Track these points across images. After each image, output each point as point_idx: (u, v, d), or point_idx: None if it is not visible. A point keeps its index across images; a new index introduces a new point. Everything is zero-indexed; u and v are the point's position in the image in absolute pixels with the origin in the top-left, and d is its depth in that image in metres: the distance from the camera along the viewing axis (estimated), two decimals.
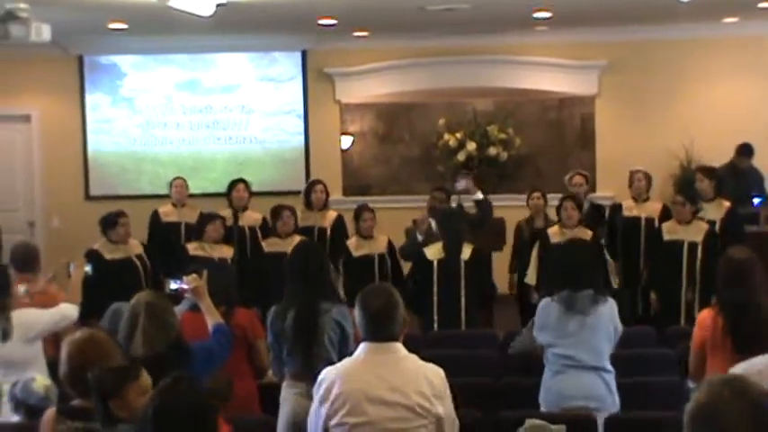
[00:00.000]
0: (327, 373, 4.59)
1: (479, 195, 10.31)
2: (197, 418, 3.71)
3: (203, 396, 3.81)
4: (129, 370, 4.35)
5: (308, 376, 5.84)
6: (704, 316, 5.91)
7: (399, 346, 4.58)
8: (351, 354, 5.41)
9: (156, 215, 11.06)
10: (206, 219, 9.81)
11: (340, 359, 5.48)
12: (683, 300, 9.27)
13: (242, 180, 10.89)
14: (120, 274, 9.31)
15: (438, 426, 4.49)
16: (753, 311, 5.58)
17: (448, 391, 4.54)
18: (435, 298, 8.75)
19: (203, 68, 14.19)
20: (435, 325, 8.73)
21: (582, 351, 6.34)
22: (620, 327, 6.52)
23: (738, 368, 4.54)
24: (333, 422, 4.48)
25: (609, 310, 6.46)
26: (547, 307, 6.53)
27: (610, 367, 6.41)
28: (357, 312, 4.61)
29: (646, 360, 7.51)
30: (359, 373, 4.52)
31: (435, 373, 4.55)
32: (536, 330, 6.61)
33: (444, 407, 4.50)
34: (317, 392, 4.57)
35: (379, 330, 4.54)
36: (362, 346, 4.59)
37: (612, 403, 6.35)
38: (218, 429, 3.84)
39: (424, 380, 4.49)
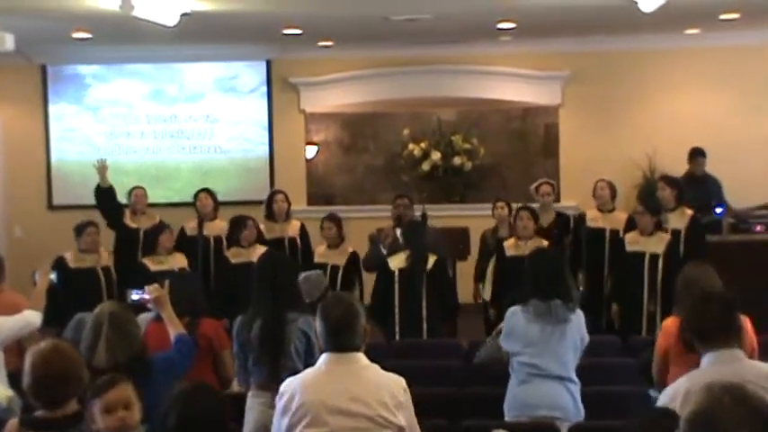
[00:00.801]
0: (288, 385, 4.59)
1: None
2: (216, 422, 3.83)
3: (221, 402, 3.93)
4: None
5: (273, 386, 5.82)
6: (669, 324, 5.96)
7: (361, 356, 4.58)
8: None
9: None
10: (157, 230, 9.80)
11: (306, 369, 5.48)
12: (644, 311, 9.31)
13: (206, 189, 10.86)
14: (82, 284, 9.29)
15: None
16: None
17: (410, 402, 4.55)
18: (397, 309, 8.76)
19: (168, 78, 14.16)
20: (397, 335, 8.73)
21: (548, 360, 6.34)
22: (586, 337, 6.52)
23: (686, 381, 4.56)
24: None
25: (576, 321, 6.45)
26: (515, 315, 6.51)
27: (575, 378, 6.41)
28: (318, 323, 4.62)
29: (609, 369, 7.54)
30: (320, 384, 4.52)
31: (397, 384, 4.55)
32: (503, 338, 6.60)
33: (406, 417, 4.51)
34: (279, 403, 4.57)
35: (340, 341, 4.54)
36: (323, 356, 4.60)
37: (577, 414, 6.35)
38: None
39: (385, 390, 4.49)
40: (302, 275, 7.32)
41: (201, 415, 3.80)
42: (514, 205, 10.54)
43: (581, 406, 6.38)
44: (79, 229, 9.65)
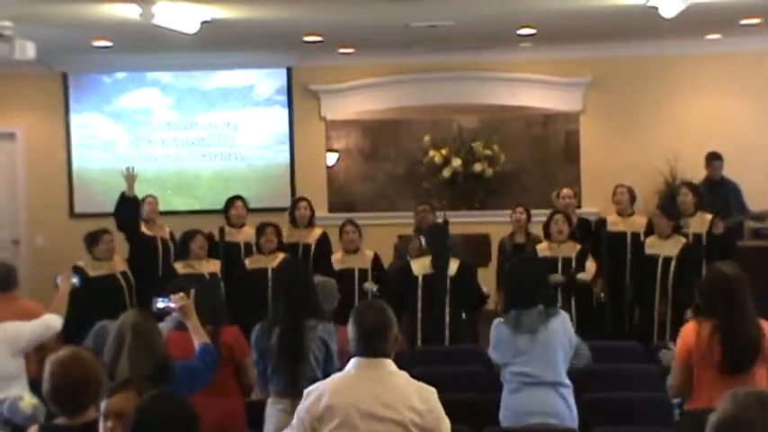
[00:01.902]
0: (317, 386, 4.59)
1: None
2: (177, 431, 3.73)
3: (184, 410, 3.80)
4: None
5: (292, 393, 5.87)
6: (688, 328, 5.84)
7: (390, 362, 4.58)
8: (336, 371, 5.44)
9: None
10: (187, 236, 9.77)
11: (324, 377, 5.49)
12: (656, 315, 9.31)
13: (239, 197, 10.87)
14: (105, 291, 9.31)
15: None
16: (741, 333, 5.57)
17: (440, 408, 4.53)
18: (420, 313, 8.75)
19: (188, 86, 14.19)
20: (419, 341, 8.72)
21: (537, 367, 6.28)
22: (574, 339, 6.46)
23: None
24: None
25: (561, 324, 6.39)
26: (497, 327, 6.48)
27: (567, 381, 6.36)
28: (350, 328, 4.61)
29: (630, 375, 7.51)
30: (350, 388, 4.51)
31: (428, 391, 4.55)
32: (491, 350, 6.57)
33: (436, 423, 4.49)
34: (305, 401, 4.55)
35: (371, 346, 4.54)
36: (354, 361, 4.59)
37: (571, 418, 6.29)
38: None
39: (415, 396, 4.48)
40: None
41: (157, 424, 3.74)
42: (535, 211, 10.56)
43: (575, 410, 6.34)
44: (94, 238, 9.61)
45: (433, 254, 8.85)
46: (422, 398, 4.49)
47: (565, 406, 6.32)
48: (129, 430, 3.74)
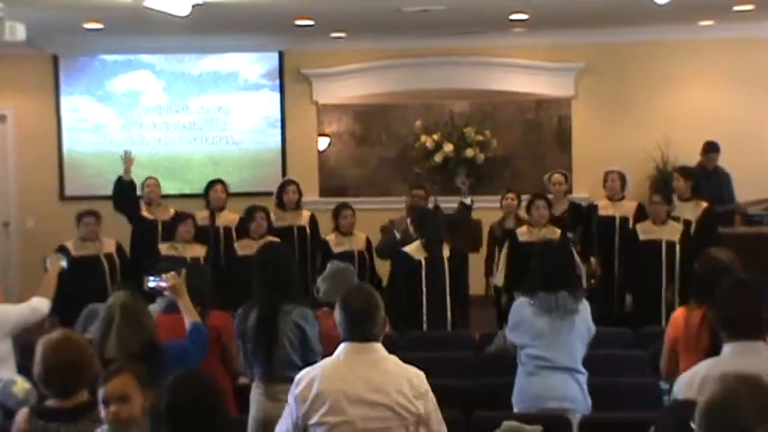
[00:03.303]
0: (307, 373, 4.59)
1: (468, 201, 10.29)
2: (206, 407, 3.84)
3: (212, 389, 3.93)
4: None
5: (268, 377, 5.89)
6: (677, 315, 5.89)
7: (379, 346, 4.60)
8: (315, 356, 5.46)
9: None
10: (177, 219, 9.87)
11: (303, 361, 5.53)
12: (663, 299, 9.28)
13: (220, 180, 10.92)
14: (86, 271, 9.31)
15: (420, 426, 4.49)
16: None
17: (430, 392, 4.54)
18: (425, 299, 8.75)
19: (180, 69, 14.15)
20: (425, 325, 8.73)
21: (556, 352, 6.32)
22: (593, 328, 6.51)
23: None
24: (311, 421, 4.47)
25: (583, 312, 6.45)
26: (521, 307, 6.50)
27: (583, 369, 6.40)
28: (338, 312, 4.62)
29: (620, 361, 7.53)
30: (339, 373, 4.52)
31: (416, 374, 4.57)
32: (509, 330, 6.59)
33: (426, 406, 4.50)
34: (294, 391, 4.56)
35: (360, 331, 4.55)
36: (342, 346, 4.60)
37: (585, 405, 6.34)
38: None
39: (404, 380, 4.50)
40: (331, 270, 7.24)
41: (191, 401, 3.81)
42: (524, 197, 10.57)
43: (588, 396, 6.38)
44: (78, 218, 9.69)
45: (426, 239, 8.84)
46: (411, 382, 4.51)
47: (580, 392, 6.35)
48: (164, 409, 3.83)
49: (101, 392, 4.25)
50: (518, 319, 6.49)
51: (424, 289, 8.76)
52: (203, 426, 3.83)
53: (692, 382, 4.39)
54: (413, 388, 4.49)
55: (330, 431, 4.45)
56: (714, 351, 5.42)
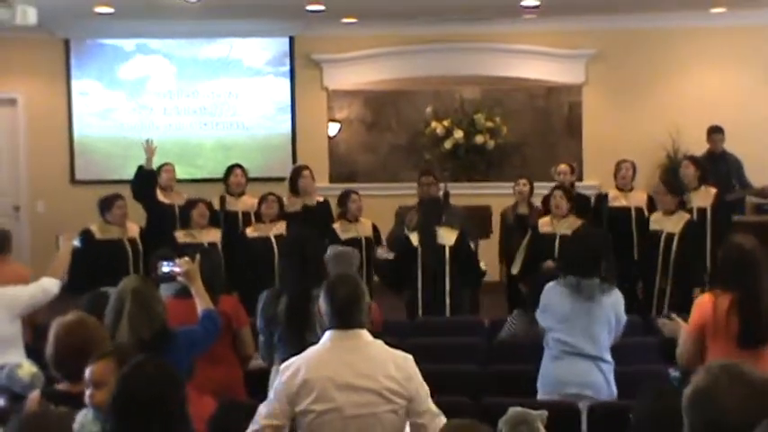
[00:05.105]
0: (293, 361, 4.60)
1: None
2: (156, 401, 3.73)
3: (165, 379, 3.82)
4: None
5: None
6: (704, 301, 5.73)
7: (365, 332, 4.62)
8: None
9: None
10: (189, 205, 9.82)
11: None
12: (655, 289, 9.29)
13: (239, 165, 10.85)
14: (109, 255, 9.33)
15: (409, 409, 4.51)
16: (761, 307, 5.50)
17: (418, 374, 4.55)
18: (420, 284, 8.76)
19: (190, 54, 14.14)
20: (420, 309, 8.73)
21: (580, 338, 6.34)
22: (623, 318, 6.51)
23: None
24: (299, 408, 4.47)
25: (613, 301, 6.46)
26: (552, 290, 6.54)
27: (609, 358, 6.41)
28: (323, 302, 4.65)
29: (630, 348, 7.50)
30: (325, 361, 4.53)
31: (404, 358, 4.58)
32: (538, 313, 6.62)
33: (414, 389, 4.51)
34: (280, 377, 4.56)
35: (346, 318, 4.58)
36: (327, 333, 4.62)
37: (609, 393, 6.34)
38: (187, 410, 3.84)
39: (391, 364, 4.52)
40: (332, 254, 7.27)
41: (138, 394, 3.73)
42: (536, 184, 10.54)
43: (614, 385, 6.38)
44: (108, 202, 9.61)
45: (421, 227, 8.86)
46: (398, 365, 4.52)
47: (603, 380, 6.36)
48: (112, 399, 3.76)
49: (86, 374, 4.23)
50: (546, 302, 6.55)
51: (420, 275, 8.77)
52: (150, 419, 3.72)
53: None
54: (400, 370, 4.50)
55: (317, 418, 4.46)
56: (744, 337, 5.43)
